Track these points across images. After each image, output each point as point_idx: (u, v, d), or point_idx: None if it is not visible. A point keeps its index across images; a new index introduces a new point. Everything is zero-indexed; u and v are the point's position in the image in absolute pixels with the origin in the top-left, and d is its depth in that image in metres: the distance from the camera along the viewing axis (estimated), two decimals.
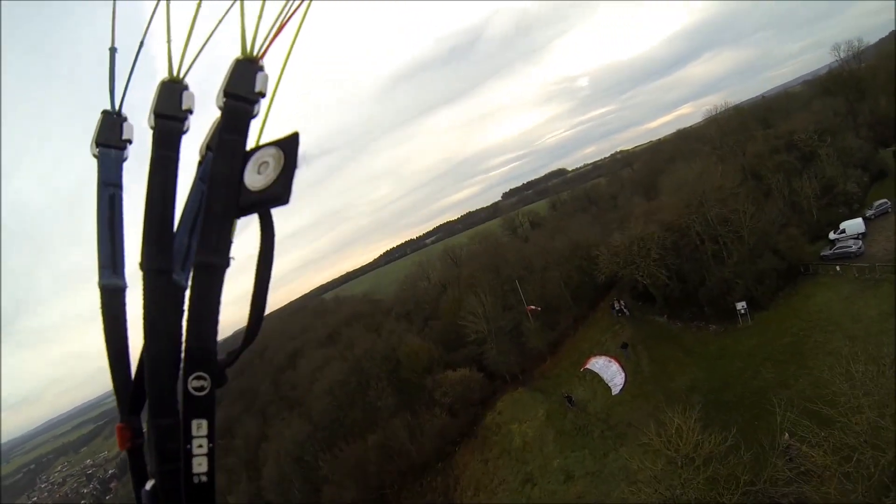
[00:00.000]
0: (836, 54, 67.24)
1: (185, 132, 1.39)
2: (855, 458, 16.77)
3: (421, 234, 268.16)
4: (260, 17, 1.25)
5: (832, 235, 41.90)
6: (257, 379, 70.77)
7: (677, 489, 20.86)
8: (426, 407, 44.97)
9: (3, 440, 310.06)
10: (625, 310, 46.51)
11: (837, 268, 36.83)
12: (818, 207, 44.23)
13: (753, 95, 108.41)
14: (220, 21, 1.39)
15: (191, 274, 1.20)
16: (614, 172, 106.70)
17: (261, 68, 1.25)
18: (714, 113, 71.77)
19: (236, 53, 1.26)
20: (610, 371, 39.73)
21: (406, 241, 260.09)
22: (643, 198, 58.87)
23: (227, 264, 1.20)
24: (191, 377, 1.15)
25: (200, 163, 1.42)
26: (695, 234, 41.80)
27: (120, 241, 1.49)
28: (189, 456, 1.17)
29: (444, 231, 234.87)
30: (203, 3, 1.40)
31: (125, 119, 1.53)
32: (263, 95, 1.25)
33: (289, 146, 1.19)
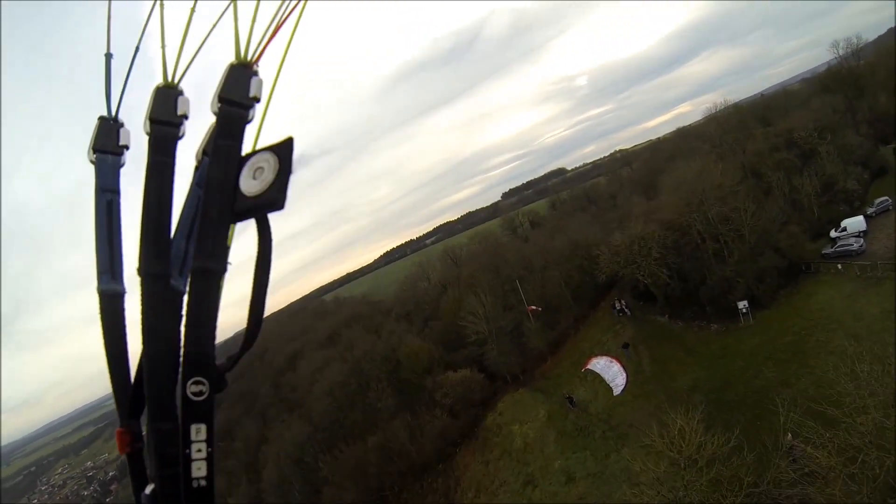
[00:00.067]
0: (835, 51, 67.08)
1: (180, 137, 1.38)
2: (860, 460, 16.61)
3: (421, 234, 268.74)
4: (254, 21, 1.25)
5: (833, 233, 41.73)
6: (257, 381, 70.62)
7: (680, 491, 20.65)
8: (426, 408, 44.81)
9: (4, 442, 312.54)
10: (626, 309, 46.34)
11: (839, 266, 36.65)
12: (819, 205, 44.08)
13: (751, 94, 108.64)
14: (213, 25, 1.40)
15: (188, 279, 1.21)
16: (614, 171, 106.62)
17: (255, 73, 1.25)
18: (713, 111, 71.63)
19: (231, 58, 1.26)
20: (611, 371, 39.56)
21: (406, 242, 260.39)
22: (643, 197, 58.80)
23: (224, 269, 1.22)
24: (189, 382, 1.17)
25: (197, 167, 1.42)
26: (695, 232, 41.64)
27: (118, 246, 1.50)
28: (188, 460, 1.18)
29: (444, 231, 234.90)
30: (197, 7, 1.41)
31: (122, 125, 1.54)
32: (258, 100, 1.25)
33: (283, 151, 1.19)
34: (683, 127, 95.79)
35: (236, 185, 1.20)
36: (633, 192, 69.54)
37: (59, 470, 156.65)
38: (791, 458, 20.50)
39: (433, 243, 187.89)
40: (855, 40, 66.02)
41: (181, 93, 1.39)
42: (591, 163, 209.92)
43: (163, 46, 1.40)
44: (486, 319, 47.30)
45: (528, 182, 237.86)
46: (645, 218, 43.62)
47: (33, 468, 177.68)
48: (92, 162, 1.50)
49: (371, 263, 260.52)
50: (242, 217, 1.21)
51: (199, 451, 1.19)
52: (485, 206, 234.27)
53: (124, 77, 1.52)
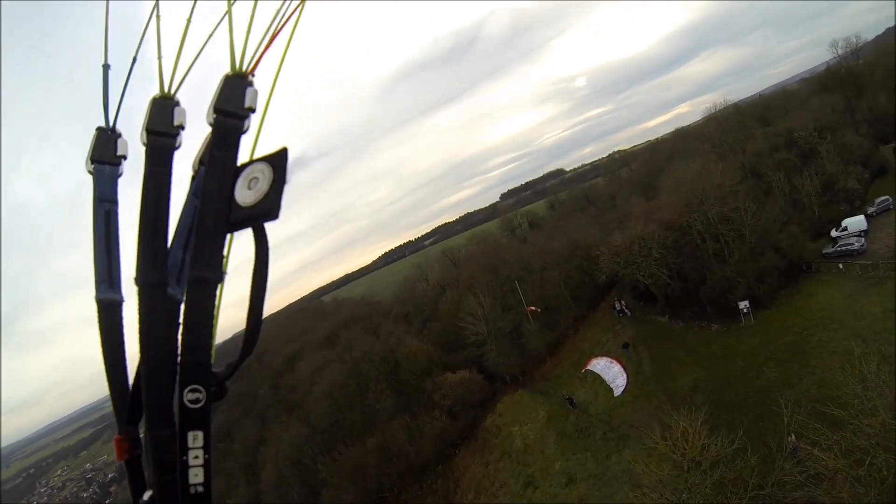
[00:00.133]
0: (834, 51, 67.10)
1: (177, 148, 1.38)
2: (867, 462, 16.40)
3: (419, 235, 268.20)
4: (248, 31, 1.26)
5: (834, 233, 41.63)
6: (256, 383, 70.37)
7: (684, 494, 20.41)
8: (425, 409, 44.59)
9: (4, 444, 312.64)
10: (626, 310, 46.16)
11: (840, 265, 36.52)
12: (819, 205, 43.97)
13: (750, 94, 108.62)
14: (209, 36, 1.40)
15: (185, 288, 1.23)
16: (612, 172, 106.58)
17: (250, 84, 1.25)
18: (713, 111, 71.57)
19: (227, 68, 1.26)
20: (612, 372, 39.38)
21: (405, 243, 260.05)
22: (642, 197, 58.72)
23: (221, 279, 1.23)
24: (186, 390, 1.18)
25: (194, 177, 1.41)
26: (696, 232, 41.49)
27: (116, 255, 1.51)
28: (185, 467, 1.20)
29: (443, 232, 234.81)
30: (193, 18, 1.42)
31: (119, 135, 1.54)
32: (254, 111, 1.25)
33: (278, 162, 1.20)
34: (683, 127, 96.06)
35: (232, 195, 1.21)
36: (632, 192, 69.46)
37: (59, 472, 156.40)
38: (795, 460, 20.30)
39: (432, 244, 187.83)
40: (854, 40, 66.16)
41: (178, 103, 1.40)
42: (589, 164, 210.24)
43: (159, 57, 1.40)
44: (485, 320, 47.10)
45: (526, 183, 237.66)
46: (645, 218, 43.50)
47: (33, 470, 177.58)
48: (90, 172, 1.51)
49: (370, 264, 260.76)
50: (238, 227, 1.22)
51: (196, 457, 1.19)
52: (483, 207, 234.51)
53: (122, 87, 1.53)
